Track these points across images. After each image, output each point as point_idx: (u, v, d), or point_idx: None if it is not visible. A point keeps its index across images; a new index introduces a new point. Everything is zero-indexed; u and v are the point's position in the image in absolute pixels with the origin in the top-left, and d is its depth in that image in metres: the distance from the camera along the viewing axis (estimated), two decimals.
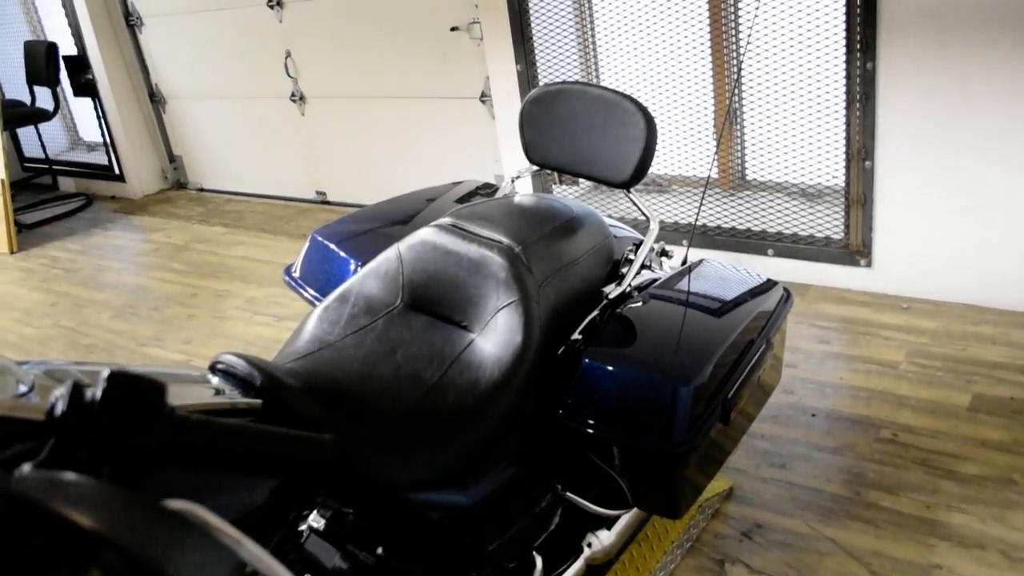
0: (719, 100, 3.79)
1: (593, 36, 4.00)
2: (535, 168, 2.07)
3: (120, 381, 0.83)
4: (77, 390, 0.83)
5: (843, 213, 3.43)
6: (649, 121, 1.85)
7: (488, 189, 2.26)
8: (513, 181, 2.15)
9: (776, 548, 2.29)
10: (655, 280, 2.00)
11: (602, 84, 3.96)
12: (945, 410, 2.73)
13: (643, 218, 2.02)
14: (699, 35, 3.70)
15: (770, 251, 3.62)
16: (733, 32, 3.59)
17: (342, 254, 2.03)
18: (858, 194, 3.33)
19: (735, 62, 3.66)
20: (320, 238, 2.09)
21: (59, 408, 0.82)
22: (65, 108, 6.83)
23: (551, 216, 1.88)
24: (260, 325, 4.07)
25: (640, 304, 1.87)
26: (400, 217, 2.08)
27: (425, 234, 1.78)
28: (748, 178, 3.90)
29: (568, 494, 1.85)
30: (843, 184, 3.39)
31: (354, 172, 5.23)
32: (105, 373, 0.84)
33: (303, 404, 1.36)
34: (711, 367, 1.70)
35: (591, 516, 1.93)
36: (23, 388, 0.97)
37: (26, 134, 6.87)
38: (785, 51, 3.44)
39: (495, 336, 1.64)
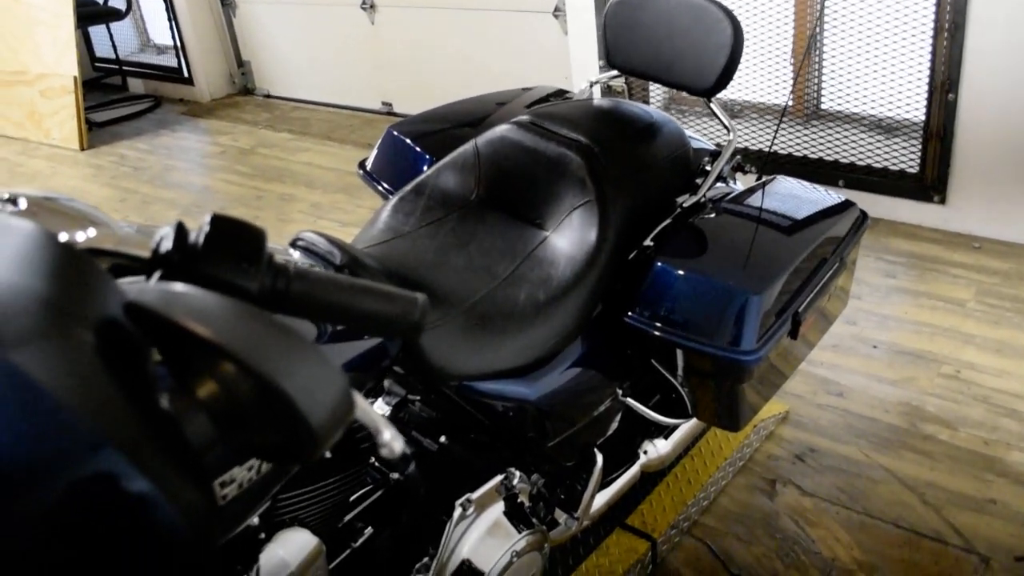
0: (799, 25, 3.69)
1: None
2: (615, 73, 2.04)
3: (223, 223, 0.85)
4: (182, 229, 0.85)
5: (920, 147, 3.35)
6: (736, 27, 1.81)
7: (561, 95, 2.23)
8: (592, 86, 2.13)
9: (829, 472, 2.29)
10: (730, 193, 1.98)
11: None
12: (1012, 350, 2.68)
13: (721, 133, 1.99)
14: None
15: (841, 182, 3.55)
16: None
17: (417, 149, 2.03)
18: (938, 128, 3.24)
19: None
20: (396, 132, 2.09)
21: (165, 245, 0.84)
22: (137, 9, 6.87)
23: (630, 120, 1.85)
24: (324, 229, 4.11)
25: (714, 216, 1.85)
26: (470, 119, 2.07)
27: (503, 131, 1.78)
28: (823, 107, 3.81)
29: (629, 400, 1.86)
30: (922, 117, 3.30)
31: (421, 84, 5.21)
32: (208, 216, 0.86)
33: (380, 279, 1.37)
34: (783, 279, 1.69)
35: (649, 424, 1.95)
36: (128, 229, 1.00)
37: (97, 34, 6.92)
38: None
39: (569, 234, 1.64)
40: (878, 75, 3.45)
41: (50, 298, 0.64)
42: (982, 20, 3.00)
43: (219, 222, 0.84)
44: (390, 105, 5.47)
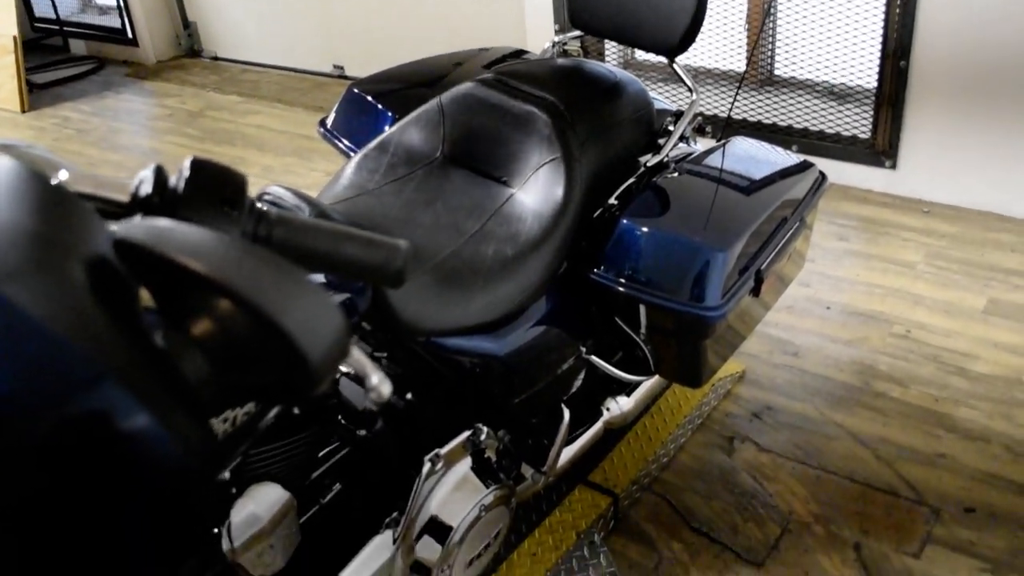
0: None
1: None
2: (577, 33, 2.03)
3: (204, 167, 0.83)
4: (161, 173, 0.83)
5: (872, 113, 3.39)
6: None
7: (519, 56, 2.22)
8: (554, 46, 2.12)
9: (785, 429, 2.34)
10: (691, 153, 1.99)
11: None
12: (960, 311, 2.75)
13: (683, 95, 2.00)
14: None
15: (794, 147, 3.59)
16: None
17: (380, 106, 2.01)
18: (890, 94, 3.29)
19: None
20: (358, 90, 2.06)
21: (144, 189, 0.83)
22: None
23: (595, 78, 1.85)
24: None
25: (677, 175, 1.86)
26: (428, 78, 2.05)
27: (468, 88, 1.77)
28: (777, 73, 3.84)
29: (592, 358, 1.87)
30: (875, 84, 3.35)
31: (373, 46, 5.14)
32: (188, 160, 0.84)
33: None
34: (746, 237, 1.71)
35: (612, 381, 1.97)
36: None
37: None
38: None
39: (536, 191, 1.64)
40: (831, 42, 3.49)
41: (39, 233, 0.62)
42: None
43: (199, 166, 0.83)
44: (342, 68, 5.39)
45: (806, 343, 2.67)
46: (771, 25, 3.76)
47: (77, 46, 6.73)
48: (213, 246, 0.64)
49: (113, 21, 6.40)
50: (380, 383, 0.88)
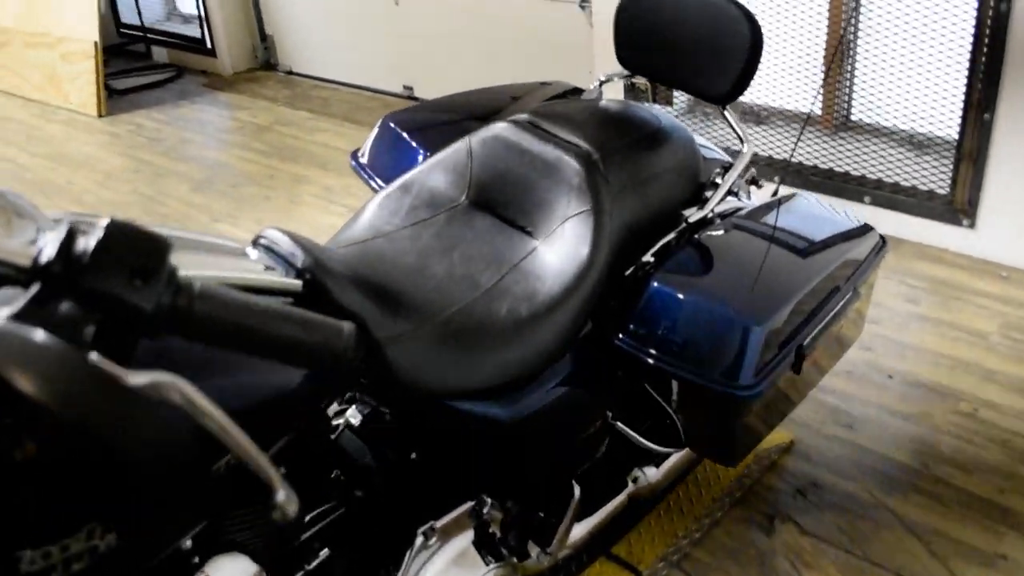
0: (832, 29, 3.54)
1: None
2: (626, 73, 1.91)
3: (119, 231, 0.74)
4: (71, 235, 0.74)
5: (952, 167, 3.19)
6: (755, 30, 1.68)
7: (578, 94, 2.10)
8: (601, 84, 2.00)
9: (831, 510, 2.17)
10: (741, 209, 1.85)
11: None
12: None
13: (737, 142, 1.86)
14: None
15: (867, 199, 3.41)
16: None
17: (412, 143, 1.91)
18: (971, 148, 3.08)
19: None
20: (391, 123, 1.97)
21: (47, 254, 0.73)
22: None
23: (636, 125, 1.73)
24: (334, 215, 4.01)
25: (721, 232, 1.72)
26: (480, 111, 1.94)
27: (499, 129, 1.66)
28: (853, 119, 3.66)
29: (618, 424, 1.74)
30: (956, 136, 3.15)
31: (443, 69, 5.09)
32: (104, 221, 0.75)
33: (345, 291, 1.26)
34: (789, 309, 1.56)
35: (640, 450, 1.83)
36: (31, 234, 0.88)
37: (125, 1, 6.85)
38: None
39: (560, 246, 1.51)
40: (914, 87, 3.30)
41: None
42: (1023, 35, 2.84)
43: (114, 230, 0.73)
44: (411, 89, 5.35)
45: (863, 414, 2.48)
46: (849, 66, 3.58)
47: (159, 53, 6.84)
48: (49, 363, 0.54)
49: (194, 31, 6.49)
50: (286, 501, 0.77)
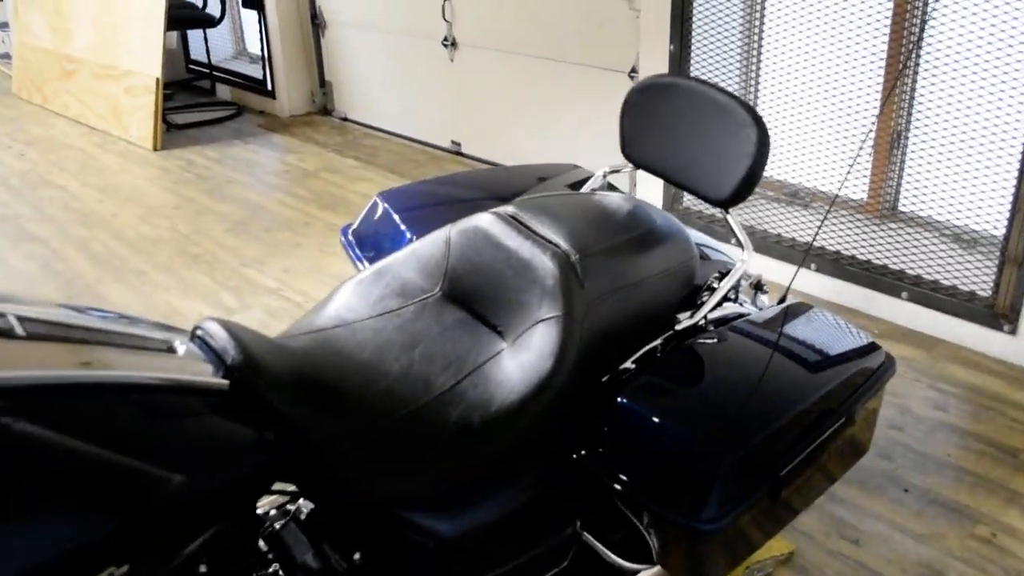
0: (885, 116, 3.43)
1: (761, 24, 3.68)
2: (628, 166, 1.85)
3: None
4: None
5: (995, 269, 3.05)
6: (761, 134, 1.60)
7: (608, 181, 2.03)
8: (606, 176, 1.93)
9: None
10: (738, 317, 1.76)
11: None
12: None
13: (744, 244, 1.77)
14: (877, 42, 3.34)
15: (904, 294, 3.27)
16: (913, 47, 3.22)
17: (400, 224, 1.86)
18: (1017, 251, 2.94)
19: (909, 78, 3.30)
20: (382, 201, 1.93)
21: None
22: (237, 17, 6.94)
23: (627, 224, 1.65)
24: (362, 268, 3.98)
25: (710, 342, 1.63)
26: (474, 195, 1.89)
27: (480, 220, 1.60)
28: (900, 208, 3.53)
29: (586, 535, 1.65)
30: (1003, 236, 3.01)
31: (491, 128, 5.08)
32: None
33: (276, 392, 1.21)
34: (767, 434, 1.46)
35: (609, 566, 1.73)
36: None
37: (195, 37, 7.01)
38: (967, 74, 3.06)
39: (527, 351, 1.44)
40: (963, 182, 3.17)
41: None
42: None
43: None
44: (459, 145, 5.35)
45: (871, 529, 2.35)
46: (899, 153, 3.47)
47: (223, 91, 6.98)
48: None
49: (257, 71, 6.60)
50: None
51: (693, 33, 3.66)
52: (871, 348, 1.75)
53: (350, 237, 1.95)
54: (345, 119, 6.21)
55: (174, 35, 7.27)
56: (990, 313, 3.07)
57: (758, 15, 3.67)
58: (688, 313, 1.69)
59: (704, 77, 3.71)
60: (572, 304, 1.44)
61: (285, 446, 1.21)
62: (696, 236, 1.97)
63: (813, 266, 3.51)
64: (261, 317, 3.63)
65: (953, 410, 2.83)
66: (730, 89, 3.70)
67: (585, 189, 1.96)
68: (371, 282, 1.57)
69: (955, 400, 2.88)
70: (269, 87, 6.41)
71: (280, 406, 1.20)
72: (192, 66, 7.26)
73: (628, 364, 1.58)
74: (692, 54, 3.69)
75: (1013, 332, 3.02)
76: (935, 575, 2.20)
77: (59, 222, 4.66)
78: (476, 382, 1.41)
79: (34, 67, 6.99)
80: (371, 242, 1.90)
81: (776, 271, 3.65)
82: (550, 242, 1.52)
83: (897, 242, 3.32)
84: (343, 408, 1.31)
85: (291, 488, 1.40)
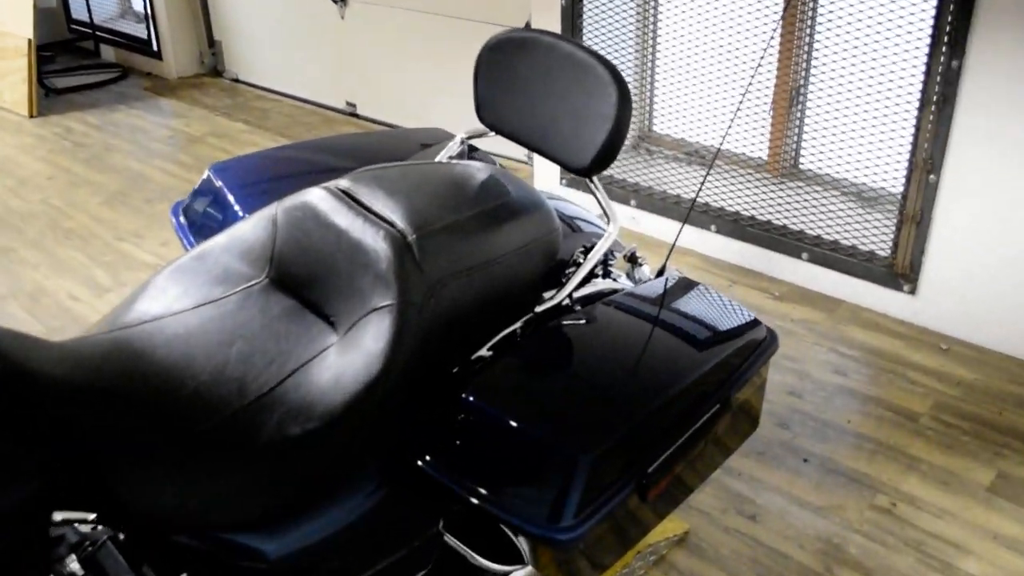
0: (782, 73, 3.32)
1: None
2: (485, 132, 1.68)
3: None
4: None
5: (894, 228, 2.97)
6: (623, 95, 1.44)
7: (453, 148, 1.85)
8: (464, 142, 1.76)
9: None
10: (608, 293, 1.61)
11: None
12: (960, 484, 2.31)
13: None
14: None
15: (805, 255, 3.18)
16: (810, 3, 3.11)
17: (232, 202, 1.65)
18: (915, 210, 2.86)
19: (807, 34, 3.18)
20: (215, 175, 1.72)
21: None
22: None
23: (476, 197, 1.48)
24: None
25: (576, 323, 1.48)
26: (317, 167, 1.70)
27: (309, 196, 1.41)
28: (801, 166, 3.44)
29: (449, 537, 1.49)
30: (900, 195, 2.92)
31: (387, 88, 4.85)
32: None
33: (53, 406, 1.02)
34: (631, 427, 1.32)
35: (478, 568, 1.58)
36: None
37: None
38: (864, 32, 2.96)
39: (357, 345, 1.27)
40: (862, 141, 3.08)
41: None
42: (976, 95, 2.62)
43: None
44: (354, 106, 5.11)
45: (769, 504, 2.25)
46: (799, 111, 3.36)
47: (108, 52, 6.59)
48: None
49: (143, 31, 6.23)
50: None
51: None
52: (752, 324, 1.61)
53: (180, 217, 1.74)
54: (236, 80, 5.90)
55: None
56: (889, 273, 2.99)
57: None
58: (554, 291, 1.54)
59: (599, 30, 3.55)
60: (408, 290, 1.27)
61: (64, 469, 1.03)
62: (566, 207, 1.81)
63: (713, 227, 3.40)
64: None
65: (853, 374, 2.75)
66: (627, 42, 3.55)
67: (441, 156, 1.78)
68: (190, 269, 1.38)
69: (854, 363, 2.80)
70: (155, 47, 6.05)
71: (57, 423, 1.01)
72: (74, 26, 6.83)
73: (483, 352, 1.42)
74: (585, 8, 3.52)
75: (913, 292, 2.95)
76: (833, 549, 2.11)
77: None
78: (300, 382, 1.24)
79: None
80: (203, 222, 1.69)
81: (672, 232, 3.53)
82: (385, 220, 1.34)
83: (797, 202, 3.22)
84: (139, 421, 1.13)
85: (89, 516, 1.22)
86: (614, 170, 3.63)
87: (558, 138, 1.52)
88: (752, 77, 2.37)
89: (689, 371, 1.43)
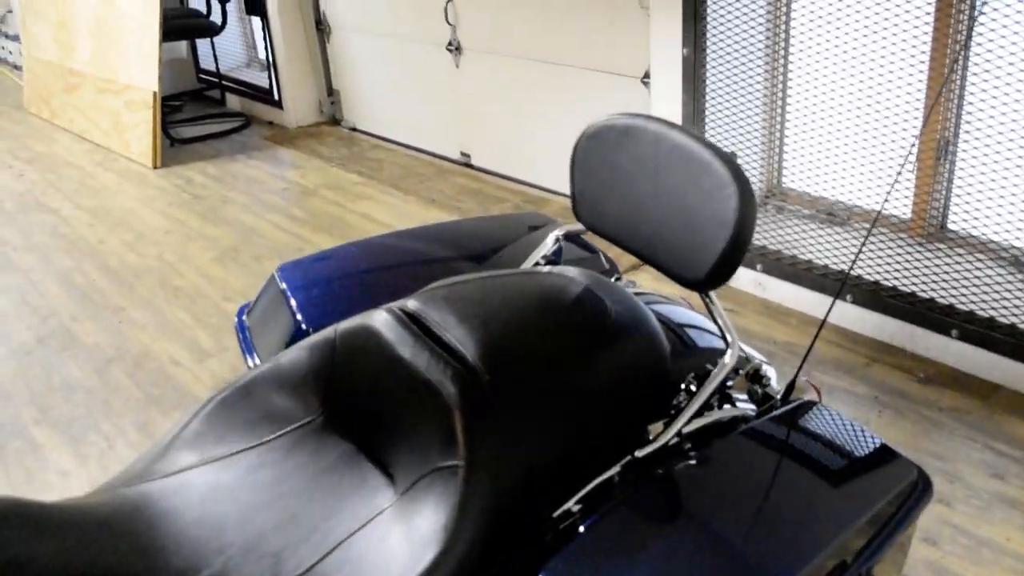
0: (930, 122, 2.99)
1: (788, 22, 3.25)
2: (581, 228, 1.46)
3: None
4: None
5: None
6: (745, 196, 1.21)
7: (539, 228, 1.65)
8: (558, 241, 1.54)
9: None
10: (731, 421, 1.37)
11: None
12: None
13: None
14: (920, 40, 2.90)
15: (954, 332, 2.83)
16: (961, 47, 2.78)
17: (295, 312, 1.48)
18: None
19: (957, 78, 2.86)
20: (280, 277, 1.55)
21: None
22: (248, 22, 6.64)
23: (570, 316, 1.26)
24: None
25: (687, 469, 1.24)
26: (398, 263, 1.51)
27: (372, 320, 1.22)
28: (949, 227, 3.09)
29: None
30: None
31: (501, 138, 4.70)
32: None
33: None
34: None
35: None
36: None
37: (205, 45, 6.74)
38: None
39: (416, 513, 1.07)
40: (1022, 199, 2.73)
41: None
42: None
43: None
44: (468, 156, 4.98)
45: None
46: (946, 164, 3.03)
47: (233, 101, 6.70)
48: None
49: (266, 80, 6.30)
50: None
51: (708, 35, 3.24)
52: (902, 466, 1.34)
53: (245, 321, 1.58)
54: (354, 129, 5.88)
55: (183, 44, 7.01)
56: None
57: (783, 12, 3.24)
58: (662, 424, 1.30)
59: (723, 77, 3.30)
60: (478, 446, 1.06)
61: None
62: (680, 313, 1.57)
63: (849, 297, 3.08)
64: (234, 361, 3.31)
65: (1014, 479, 2.39)
66: (755, 87, 3.29)
67: (533, 258, 1.57)
68: (236, 404, 1.21)
69: (1016, 465, 2.44)
70: (276, 96, 6.10)
71: None
72: (202, 75, 6.99)
73: (571, 504, 1.19)
74: (708, 58, 3.27)
75: None
76: None
77: (44, 250, 4.40)
78: (346, 558, 1.04)
79: (41, 80, 6.77)
80: (266, 332, 1.52)
81: (808, 302, 3.23)
82: (455, 354, 1.14)
83: (946, 270, 2.87)
84: None
85: None
86: None
87: (667, 245, 1.29)
88: (922, 128, 2.08)
89: (829, 535, 1.18)
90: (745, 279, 3.41)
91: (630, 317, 1.29)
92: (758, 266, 3.33)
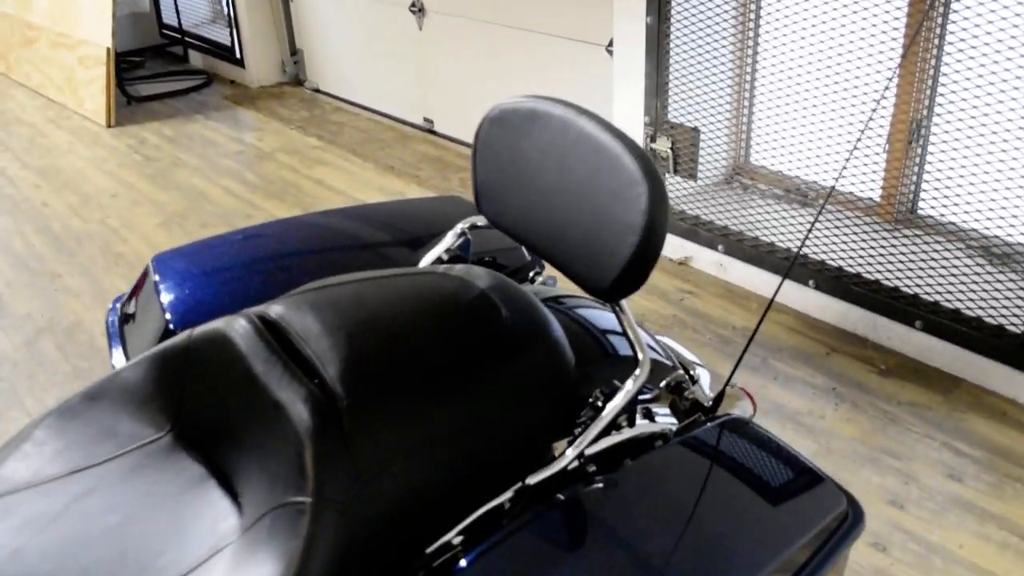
0: (901, 102, 2.85)
1: None
2: (483, 221, 1.31)
3: None
4: None
5: None
6: (655, 198, 1.06)
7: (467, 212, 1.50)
8: (463, 235, 1.39)
9: None
10: (648, 439, 1.23)
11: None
12: None
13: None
14: (892, 17, 2.74)
15: (918, 323, 2.71)
16: (936, 22, 2.63)
17: (165, 309, 1.32)
18: None
19: (932, 56, 2.71)
20: (154, 268, 1.39)
21: None
22: None
23: (456, 325, 1.11)
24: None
25: (589, 494, 1.11)
26: (282, 257, 1.36)
27: (228, 327, 1.07)
28: (920, 212, 2.96)
29: None
30: None
31: (465, 104, 4.53)
32: None
33: None
34: None
35: None
36: None
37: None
38: (1003, 57, 2.47)
39: (256, 552, 0.93)
40: (995, 185, 2.60)
41: None
42: None
43: None
44: (432, 123, 4.81)
45: None
46: (919, 147, 2.89)
47: (196, 58, 6.49)
48: None
49: (228, 37, 6.08)
50: None
51: (673, 3, 3.07)
52: (830, 494, 1.21)
53: (118, 314, 1.43)
54: (317, 91, 5.68)
55: None
56: (1022, 351, 2.50)
57: None
58: (565, 444, 1.17)
59: (689, 49, 3.13)
60: (328, 484, 0.92)
61: None
62: (609, 319, 1.43)
63: (812, 283, 2.95)
64: None
65: (971, 480, 2.28)
66: (723, 60, 3.13)
67: (433, 254, 1.41)
68: (78, 415, 1.07)
69: (974, 466, 2.33)
70: (238, 55, 5.88)
71: None
72: (165, 30, 6.76)
73: (452, 535, 1.06)
74: (673, 28, 3.11)
75: None
76: None
77: None
78: None
79: None
80: (137, 330, 1.37)
81: (770, 286, 3.10)
82: (314, 373, 0.99)
83: (912, 258, 2.74)
84: None
85: None
86: (701, 209, 3.22)
87: (572, 248, 1.15)
88: (874, 110, 1.93)
89: (746, 573, 1.04)
90: (707, 259, 3.27)
91: (528, 325, 1.15)
92: (720, 247, 3.19)
